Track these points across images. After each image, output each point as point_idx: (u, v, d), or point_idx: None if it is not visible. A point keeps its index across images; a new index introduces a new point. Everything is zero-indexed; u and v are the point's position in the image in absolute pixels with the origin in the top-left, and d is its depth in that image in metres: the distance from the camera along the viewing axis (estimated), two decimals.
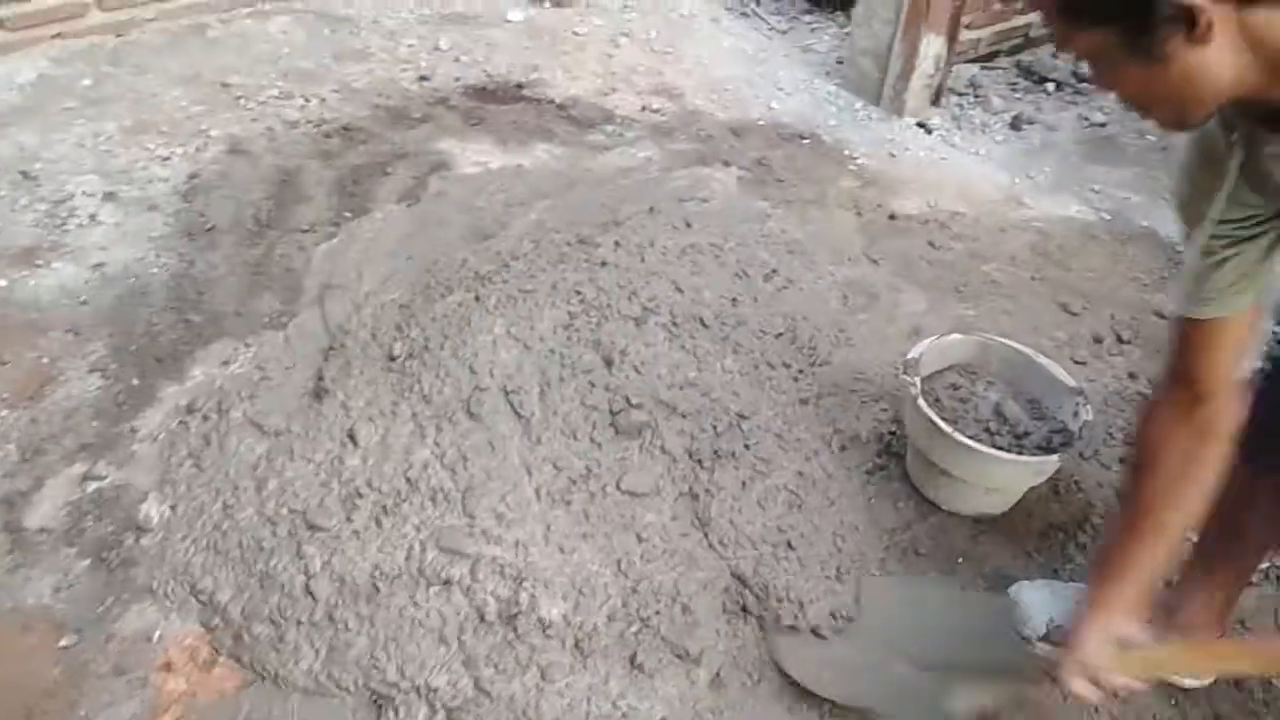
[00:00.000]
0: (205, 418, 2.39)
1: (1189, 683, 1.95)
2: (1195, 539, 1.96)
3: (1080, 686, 1.47)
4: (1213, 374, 1.41)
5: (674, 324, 2.52)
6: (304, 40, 4.20)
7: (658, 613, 2.00)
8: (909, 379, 2.24)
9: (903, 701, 1.89)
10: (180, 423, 2.39)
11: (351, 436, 2.25)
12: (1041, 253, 3.32)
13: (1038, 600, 2.10)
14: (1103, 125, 4.13)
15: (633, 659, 1.93)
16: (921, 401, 2.20)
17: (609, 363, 2.38)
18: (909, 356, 2.31)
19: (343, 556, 2.03)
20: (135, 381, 2.51)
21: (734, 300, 2.68)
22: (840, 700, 1.93)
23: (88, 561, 2.09)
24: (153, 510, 2.19)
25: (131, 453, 2.33)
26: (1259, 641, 1.52)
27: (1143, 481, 1.51)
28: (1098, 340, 2.94)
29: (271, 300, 2.81)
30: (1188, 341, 1.43)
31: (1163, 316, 3.06)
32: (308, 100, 3.77)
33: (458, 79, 4.10)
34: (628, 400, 2.28)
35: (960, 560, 2.25)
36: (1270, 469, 1.73)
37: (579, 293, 2.58)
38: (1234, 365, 1.41)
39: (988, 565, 2.24)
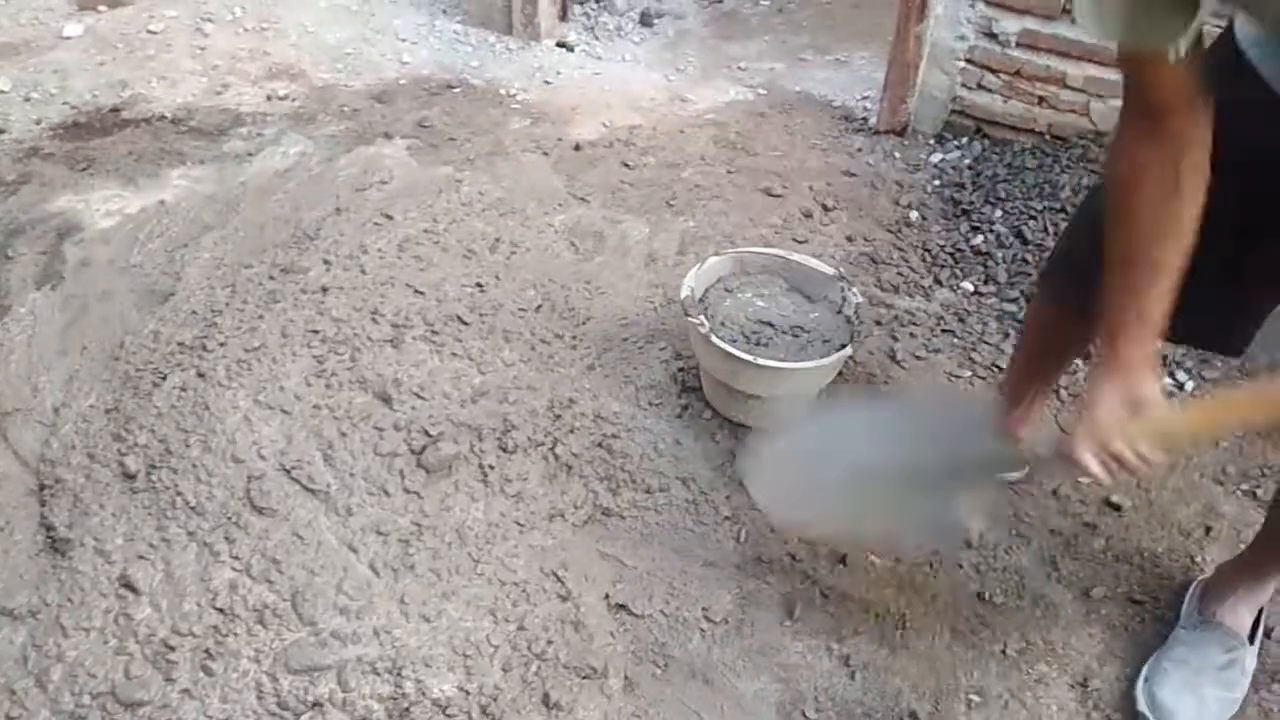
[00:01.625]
0: None
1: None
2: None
3: (1094, 461, 1.39)
4: (1171, 95, 1.30)
5: (433, 333, 2.31)
6: None
7: (550, 642, 1.87)
8: (694, 319, 2.20)
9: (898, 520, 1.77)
10: None
11: (128, 584, 1.89)
12: (725, 145, 3.37)
13: None
14: (721, 1, 4.23)
15: (546, 700, 1.80)
16: (715, 338, 2.17)
17: (386, 400, 2.16)
18: (684, 295, 2.26)
19: None
20: None
21: (478, 284, 2.50)
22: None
23: None
24: None
25: None
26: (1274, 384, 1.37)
27: (1127, 226, 1.40)
28: (807, 215, 3.05)
29: None
30: (1137, 73, 1.32)
31: (852, 174, 3.23)
32: None
33: (39, 121, 3.48)
34: (426, 433, 2.08)
35: None
36: (1075, 305, 1.75)
37: (315, 331, 2.30)
38: (1191, 83, 1.30)
39: None
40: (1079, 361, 2.44)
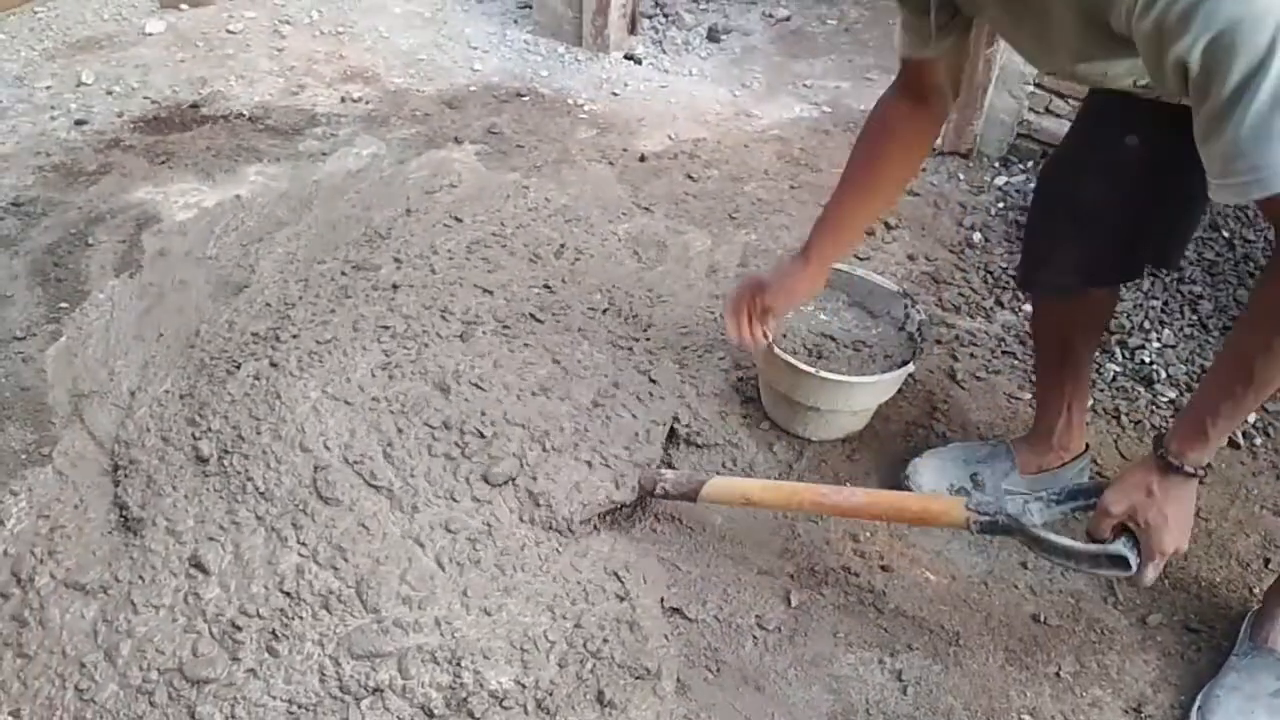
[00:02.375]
0: (4, 596, 1.98)
1: None
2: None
3: (731, 325, 2.05)
4: (932, 90, 1.76)
5: (504, 329, 2.36)
6: None
7: (605, 641, 1.89)
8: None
9: None
10: None
11: (198, 565, 1.95)
12: (789, 160, 3.39)
13: (931, 470, 2.22)
14: (788, 19, 4.26)
15: (600, 697, 1.83)
16: (776, 349, 2.19)
17: (444, 390, 2.20)
18: None
19: (247, 703, 1.76)
20: None
21: (546, 286, 2.54)
22: None
23: None
24: None
25: None
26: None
27: (869, 150, 1.88)
28: (869, 233, 3.06)
29: (17, 431, 2.36)
30: (912, 72, 1.76)
31: (915, 194, 3.23)
32: None
33: (120, 114, 3.59)
34: (479, 434, 2.11)
35: (846, 482, 2.30)
36: (1048, 288, 2.05)
37: (386, 327, 2.35)
38: (949, 84, 1.76)
39: (871, 481, 2.30)
40: (1100, 365, 2.51)
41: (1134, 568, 1.66)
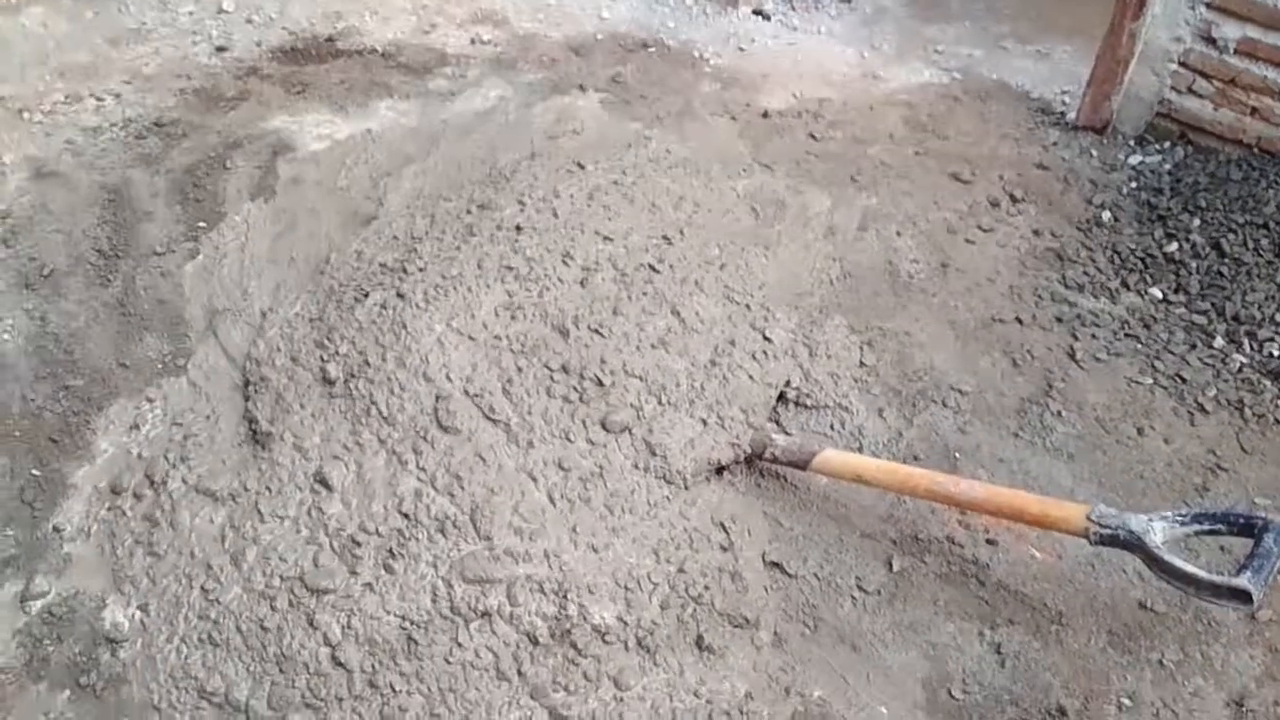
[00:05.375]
0: (138, 496, 2.11)
1: None
2: None
3: None
4: None
5: (623, 277, 2.39)
6: (68, 29, 3.67)
7: (707, 588, 1.93)
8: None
9: None
10: (110, 508, 2.10)
11: (322, 481, 2.04)
12: (915, 126, 3.34)
13: None
14: None
15: (699, 642, 1.87)
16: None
17: (564, 334, 2.24)
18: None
19: (362, 615, 1.85)
20: (35, 472, 2.18)
21: (665, 238, 2.57)
22: None
23: (67, 693, 1.83)
24: (119, 616, 1.93)
25: (66, 556, 2.03)
26: None
27: None
28: (994, 204, 3.00)
29: (155, 342, 2.49)
30: None
31: (1044, 168, 3.16)
32: (101, 99, 3.31)
33: (259, 43, 3.70)
34: (598, 380, 2.15)
35: (956, 455, 2.28)
36: None
37: (509, 268, 2.40)
38: None
39: (981, 455, 2.28)
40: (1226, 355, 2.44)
41: (1256, 603, 1.63)
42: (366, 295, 2.40)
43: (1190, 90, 3.16)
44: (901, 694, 1.85)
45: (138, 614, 1.93)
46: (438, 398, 2.14)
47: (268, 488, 2.07)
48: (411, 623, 1.85)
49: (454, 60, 3.62)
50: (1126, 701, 1.83)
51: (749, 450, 2.15)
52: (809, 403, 2.34)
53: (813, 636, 1.95)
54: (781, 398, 2.34)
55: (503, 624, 1.85)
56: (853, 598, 2.00)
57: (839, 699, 1.84)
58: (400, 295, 2.36)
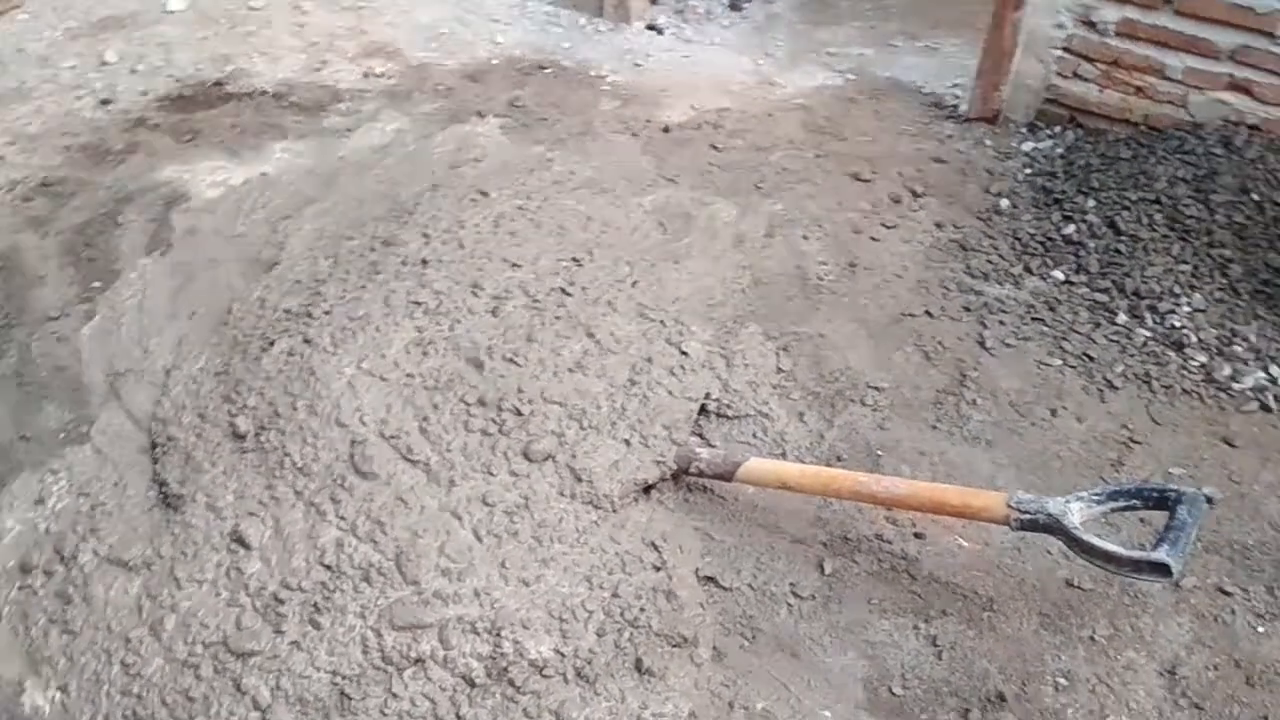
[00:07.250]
0: (48, 573, 2.03)
1: None
2: None
3: None
4: None
5: (535, 303, 2.37)
6: None
7: (643, 610, 1.91)
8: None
9: None
10: (21, 587, 2.02)
11: (239, 540, 1.98)
12: (814, 129, 3.38)
13: None
14: None
15: (639, 665, 1.85)
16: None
17: (478, 366, 2.21)
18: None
19: (292, 675, 1.80)
20: None
21: (574, 260, 2.55)
22: None
23: None
24: (39, 699, 1.85)
25: None
26: None
27: None
28: (896, 201, 3.05)
29: (56, 410, 2.40)
30: None
31: (942, 161, 3.21)
32: None
33: (145, 92, 3.61)
34: (517, 410, 2.12)
35: (878, 452, 2.30)
36: None
37: (418, 303, 2.37)
38: None
39: (902, 450, 2.30)
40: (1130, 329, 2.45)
41: (1175, 575, 1.67)
42: (272, 344, 2.34)
43: (1076, 75, 3.24)
44: (843, 696, 1.85)
45: (58, 695, 1.85)
46: (353, 443, 2.09)
47: (182, 552, 2.00)
48: (343, 677, 1.80)
49: (348, 96, 3.57)
50: (1063, 681, 1.86)
51: (675, 467, 2.14)
52: (730, 413, 2.34)
53: (752, 648, 1.94)
54: (703, 410, 2.33)
55: (437, 668, 1.81)
56: (788, 605, 2.00)
57: (782, 708, 1.83)
58: (307, 341, 2.31)
